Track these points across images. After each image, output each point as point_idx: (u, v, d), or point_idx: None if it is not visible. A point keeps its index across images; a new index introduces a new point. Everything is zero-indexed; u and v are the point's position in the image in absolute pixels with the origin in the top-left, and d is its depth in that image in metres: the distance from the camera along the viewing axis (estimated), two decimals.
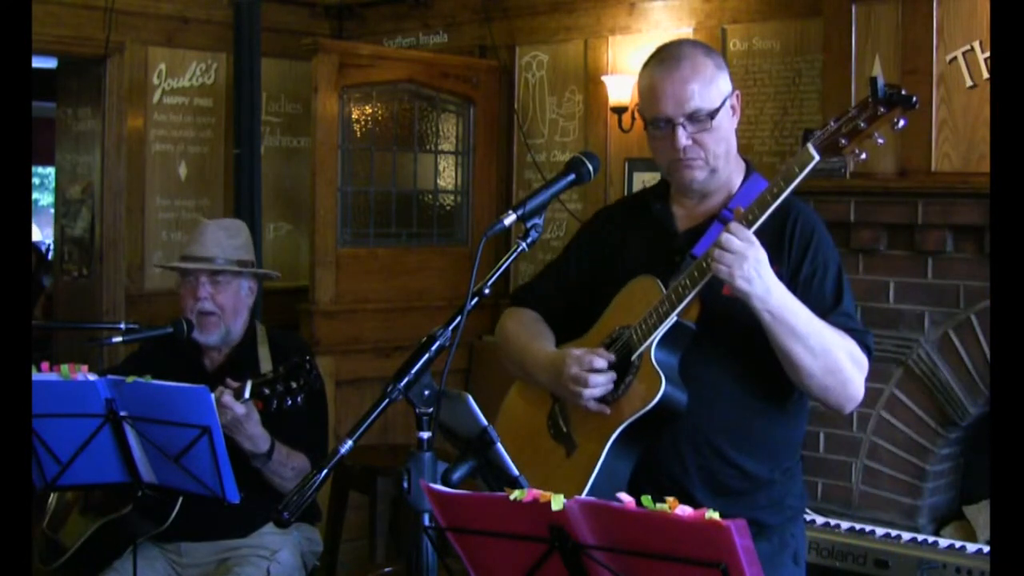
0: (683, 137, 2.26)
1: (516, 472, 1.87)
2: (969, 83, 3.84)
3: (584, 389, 2.22)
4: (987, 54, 3.78)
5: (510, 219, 1.99)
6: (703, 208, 2.37)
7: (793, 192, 2.13)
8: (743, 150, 5.09)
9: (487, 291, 1.98)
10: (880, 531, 3.75)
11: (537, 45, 5.64)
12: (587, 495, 2.15)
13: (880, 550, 3.62)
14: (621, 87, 5.08)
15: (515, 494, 1.55)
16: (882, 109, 2.06)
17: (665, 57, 2.31)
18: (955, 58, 3.86)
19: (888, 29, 4.01)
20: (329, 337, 5.21)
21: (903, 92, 2.05)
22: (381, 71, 5.42)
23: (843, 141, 2.10)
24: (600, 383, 2.22)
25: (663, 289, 2.24)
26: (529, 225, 2.01)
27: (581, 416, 2.30)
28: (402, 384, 1.84)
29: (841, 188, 3.96)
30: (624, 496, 1.50)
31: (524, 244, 1.99)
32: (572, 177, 2.12)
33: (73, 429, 2.69)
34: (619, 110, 5.09)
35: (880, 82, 2.05)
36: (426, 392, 1.86)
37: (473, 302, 1.91)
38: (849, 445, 4.11)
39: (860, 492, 4.10)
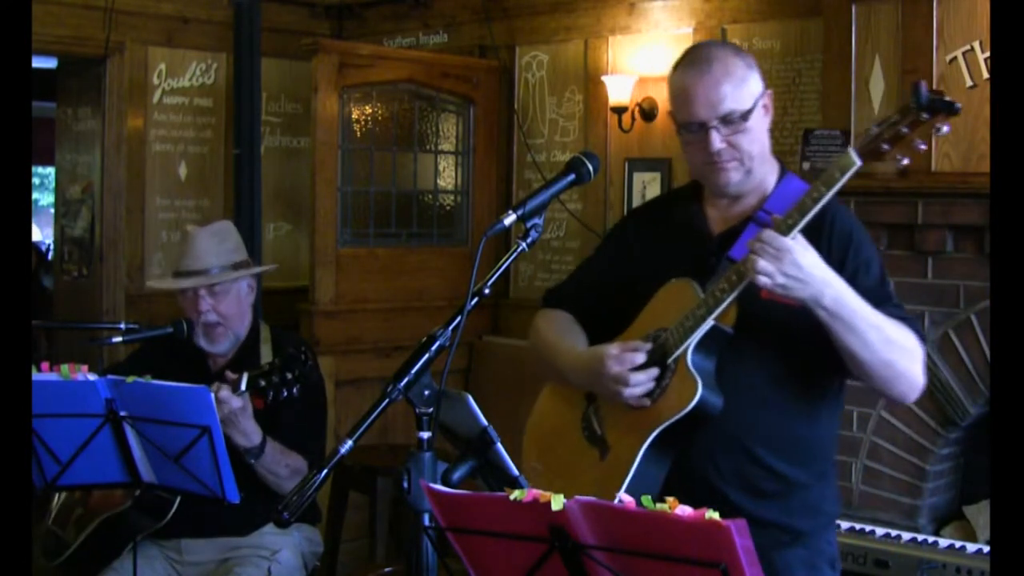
0: (717, 140, 2.22)
1: (516, 472, 1.87)
2: (969, 83, 3.84)
3: (625, 388, 2.20)
4: (987, 54, 3.78)
5: (510, 219, 1.98)
6: (737, 209, 2.33)
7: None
8: None
9: (487, 291, 1.97)
10: (880, 531, 3.75)
11: (537, 45, 5.64)
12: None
13: (880, 550, 3.62)
14: (621, 87, 5.08)
15: (515, 494, 1.54)
16: (925, 115, 2.03)
17: (695, 59, 2.28)
18: (955, 58, 3.86)
19: (888, 29, 4.01)
20: (329, 337, 5.21)
21: (946, 98, 2.02)
22: (381, 71, 5.42)
23: (885, 146, 2.07)
24: (641, 381, 2.20)
25: (699, 293, 2.21)
26: (529, 225, 2.00)
27: (616, 419, 2.28)
28: (402, 384, 1.84)
29: (841, 188, 3.95)
30: (624, 496, 1.50)
31: (524, 244, 1.98)
32: (572, 177, 2.11)
33: (73, 429, 2.69)
34: (619, 110, 5.09)
35: (923, 88, 2.02)
36: (426, 392, 1.86)
37: (473, 302, 1.91)
38: (849, 445, 4.11)
39: (860, 492, 4.10)
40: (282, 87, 6.19)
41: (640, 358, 2.22)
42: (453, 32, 5.96)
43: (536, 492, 1.54)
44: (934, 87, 3.84)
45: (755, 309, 2.19)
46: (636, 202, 5.19)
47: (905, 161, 2.10)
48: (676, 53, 5.29)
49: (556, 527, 1.55)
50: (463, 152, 5.74)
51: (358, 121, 5.45)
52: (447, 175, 5.76)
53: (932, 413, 3.96)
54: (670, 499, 1.47)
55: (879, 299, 2.19)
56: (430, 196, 5.73)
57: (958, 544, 3.62)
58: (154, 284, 3.77)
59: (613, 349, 2.25)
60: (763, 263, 2.06)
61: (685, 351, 2.19)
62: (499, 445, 1.88)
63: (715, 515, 1.43)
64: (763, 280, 2.06)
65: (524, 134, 5.68)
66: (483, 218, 5.69)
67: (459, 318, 1.90)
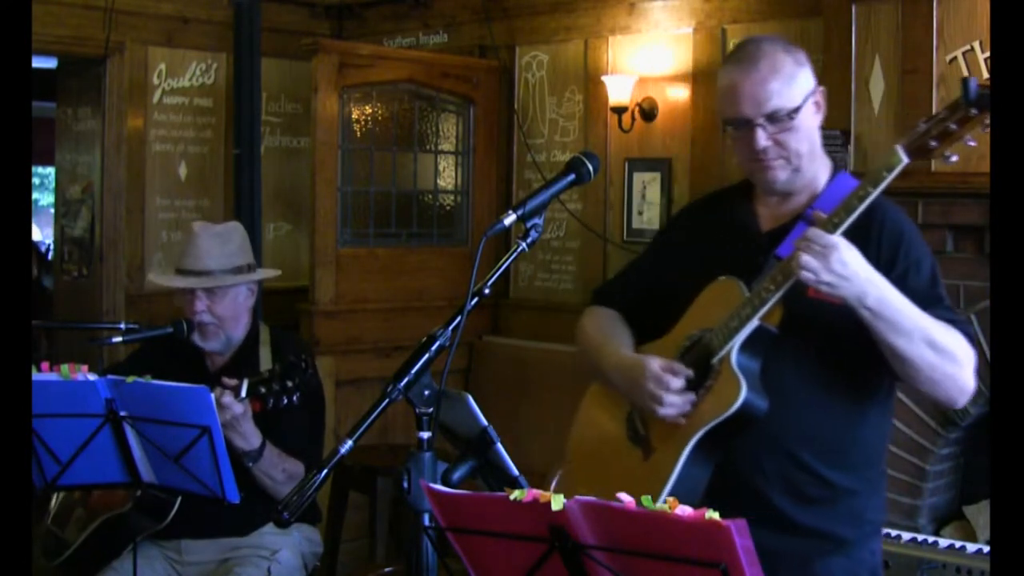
0: (762, 138, 2.20)
1: (516, 472, 1.87)
2: None
3: (660, 408, 2.19)
4: (987, 54, 3.78)
5: (510, 219, 1.97)
6: (787, 208, 2.30)
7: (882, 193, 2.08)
8: None
9: (487, 291, 1.97)
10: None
11: (537, 45, 5.64)
12: (663, 501, 2.11)
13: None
14: (621, 87, 5.07)
15: (515, 494, 1.54)
16: (974, 111, 2.00)
17: (743, 56, 2.24)
18: (955, 58, 3.86)
19: (888, 29, 4.01)
20: (329, 337, 5.21)
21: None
22: (381, 71, 5.42)
23: (933, 143, 2.04)
24: (676, 404, 2.18)
25: (745, 292, 2.19)
26: (529, 225, 2.00)
27: (659, 421, 2.25)
28: (402, 384, 1.83)
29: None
30: (624, 496, 1.50)
31: (524, 244, 1.98)
32: (572, 177, 2.10)
33: (73, 429, 2.69)
34: (619, 110, 5.09)
35: (973, 83, 1.99)
36: (426, 392, 1.86)
37: (473, 302, 1.91)
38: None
39: None
40: (282, 87, 6.20)
41: (678, 383, 2.19)
42: (453, 32, 5.96)
43: (536, 492, 1.54)
44: (934, 87, 3.86)
45: (801, 308, 2.16)
46: (636, 202, 5.19)
47: (954, 158, 2.07)
48: (676, 53, 5.34)
49: (556, 527, 1.55)
50: (463, 152, 5.74)
51: (358, 121, 5.45)
52: (447, 175, 5.76)
53: (932, 413, 3.96)
54: (670, 499, 1.47)
55: (929, 301, 2.16)
56: (430, 196, 5.73)
57: (958, 544, 3.62)
58: (154, 278, 3.76)
59: (654, 365, 2.22)
60: (808, 259, 2.03)
61: (729, 352, 2.17)
62: (499, 445, 1.88)
63: (715, 515, 1.43)
64: (808, 277, 2.04)
65: (524, 134, 5.68)
66: (483, 218, 5.69)
67: (459, 318, 1.89)
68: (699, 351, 2.23)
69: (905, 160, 2.05)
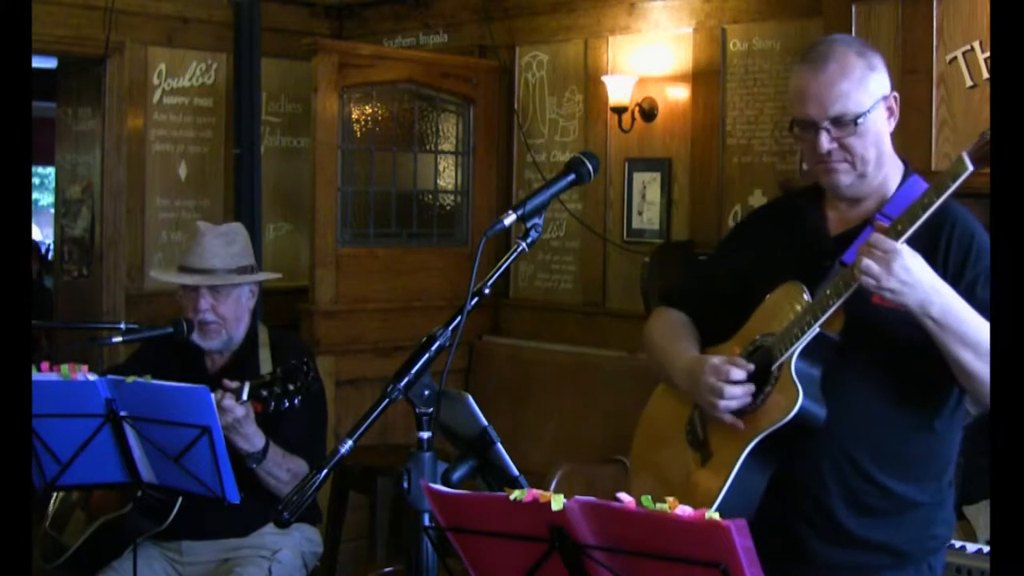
0: (825, 141, 2.17)
1: (516, 472, 1.87)
2: (969, 83, 3.84)
3: (720, 400, 2.16)
4: (987, 54, 3.78)
5: (510, 219, 1.97)
6: (856, 212, 2.27)
7: (952, 197, 2.04)
8: (744, 150, 5.11)
9: (487, 291, 1.97)
10: None
11: (537, 45, 5.64)
12: (718, 506, 2.09)
13: None
14: (621, 87, 5.07)
15: (515, 494, 1.54)
16: None
17: (814, 57, 2.21)
18: (955, 58, 3.86)
19: (888, 29, 4.01)
20: (329, 337, 5.21)
21: None
22: (381, 71, 5.42)
23: None
24: (737, 395, 2.16)
25: (808, 297, 2.17)
26: (529, 225, 1.99)
27: (719, 424, 2.23)
28: (402, 384, 1.83)
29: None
30: (624, 496, 1.50)
31: (524, 244, 1.98)
32: (572, 177, 2.09)
33: (73, 429, 2.69)
34: (619, 110, 5.09)
35: None
36: (426, 392, 1.86)
37: (473, 302, 1.91)
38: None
39: None
40: (282, 87, 6.20)
41: (738, 374, 2.17)
42: (453, 32, 5.96)
43: (536, 492, 1.54)
44: (934, 87, 3.86)
45: (866, 315, 2.13)
46: (636, 202, 5.19)
47: None
48: (676, 53, 5.34)
49: (556, 527, 1.55)
50: (463, 152, 5.74)
51: (358, 121, 5.45)
52: (447, 175, 5.76)
53: None
54: (670, 499, 1.47)
55: None
56: (430, 196, 5.73)
57: (958, 544, 3.62)
58: (157, 275, 3.76)
59: (715, 360, 2.21)
60: (870, 264, 2.01)
61: (789, 359, 2.15)
62: (499, 445, 1.88)
63: (715, 515, 1.43)
64: (869, 283, 2.02)
65: (524, 134, 5.68)
66: (483, 218, 5.69)
67: (459, 318, 1.89)
68: (760, 356, 2.20)
69: (971, 168, 2.00)
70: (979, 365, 2.04)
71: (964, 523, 3.99)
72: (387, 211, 5.55)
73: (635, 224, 5.21)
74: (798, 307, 2.17)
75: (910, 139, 3.87)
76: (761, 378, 2.18)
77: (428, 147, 5.70)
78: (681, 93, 5.05)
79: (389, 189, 5.57)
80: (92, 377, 2.68)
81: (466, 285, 1.90)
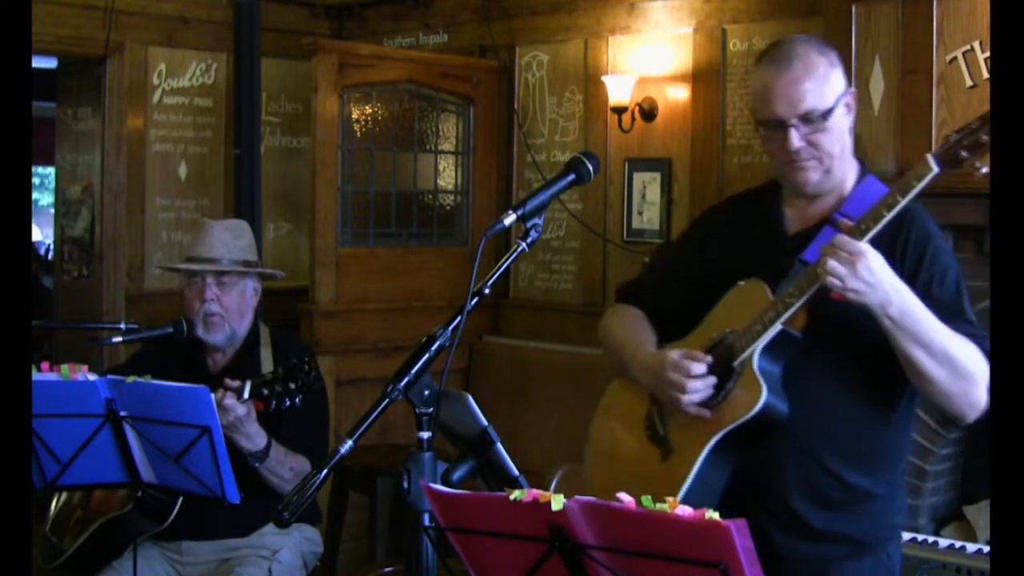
0: (796, 139, 2.20)
1: (516, 472, 1.87)
2: (969, 83, 3.83)
3: (683, 395, 2.19)
4: (987, 54, 3.78)
5: (510, 219, 1.97)
6: (815, 210, 2.30)
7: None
8: (743, 150, 5.11)
9: (487, 291, 1.97)
10: None
11: (537, 45, 5.64)
12: (681, 502, 2.12)
13: None
14: (621, 87, 5.07)
15: (515, 494, 1.54)
16: None
17: (777, 56, 2.24)
18: (955, 58, 3.86)
19: (888, 29, 4.01)
20: (329, 337, 5.21)
21: None
22: (381, 71, 5.42)
23: (964, 154, 2.04)
24: (699, 389, 2.19)
25: (770, 295, 2.19)
26: (529, 225, 2.00)
27: (679, 420, 2.26)
28: (402, 384, 1.83)
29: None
30: (624, 496, 1.50)
31: (524, 244, 1.98)
32: (572, 177, 2.10)
33: (73, 429, 2.69)
34: (619, 110, 5.09)
35: None
36: (426, 392, 1.86)
37: (473, 302, 1.91)
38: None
39: None
40: (282, 87, 6.20)
41: (699, 368, 2.19)
42: (453, 32, 5.96)
43: (536, 492, 1.54)
44: (934, 87, 3.86)
45: (827, 312, 2.15)
46: (636, 202, 5.19)
47: (984, 169, 2.04)
48: (676, 53, 5.34)
49: (556, 527, 1.55)
50: (463, 152, 5.74)
51: (358, 121, 5.45)
52: (447, 175, 5.76)
53: (932, 413, 3.96)
54: (670, 499, 1.47)
55: (951, 312, 2.15)
56: (430, 196, 5.73)
57: (958, 544, 3.62)
58: (163, 265, 3.77)
59: (675, 355, 2.23)
60: (835, 265, 2.03)
61: (751, 355, 2.17)
62: (499, 445, 1.88)
63: (715, 515, 1.43)
64: (834, 283, 2.04)
65: (524, 134, 5.68)
66: (483, 218, 5.69)
67: (459, 318, 1.89)
68: (722, 353, 2.22)
69: (936, 170, 2.04)
70: (932, 365, 2.08)
71: (964, 523, 3.99)
72: (387, 211, 5.55)
73: (635, 224, 5.21)
74: (760, 304, 2.19)
75: (910, 139, 3.88)
76: (722, 374, 2.21)
77: (428, 147, 5.70)
78: (681, 93, 5.05)
79: (389, 189, 5.57)
80: (92, 377, 2.68)
81: (466, 285, 1.90)
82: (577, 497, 1.53)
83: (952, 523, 4.02)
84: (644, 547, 1.50)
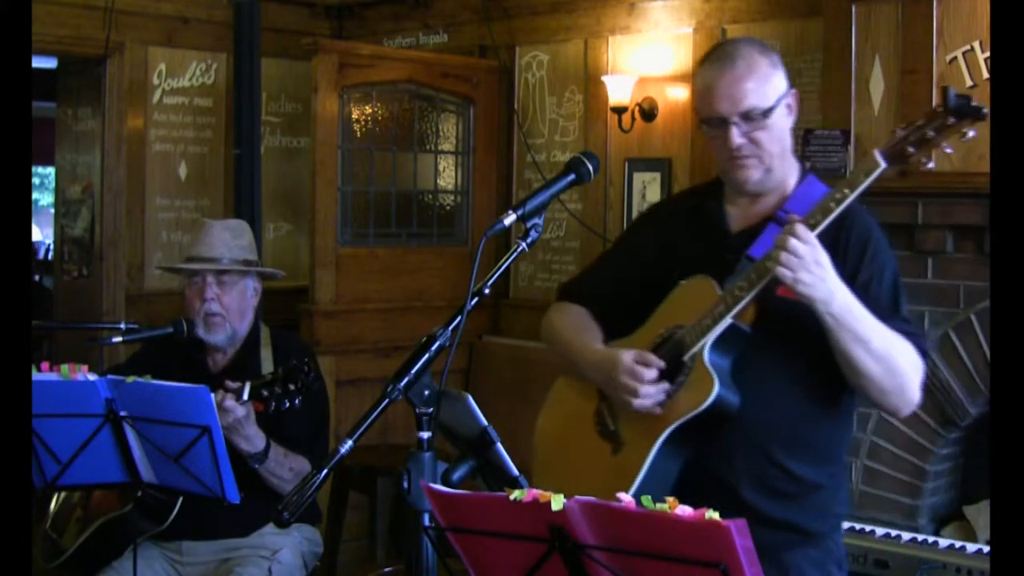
0: (736, 136, 2.24)
1: (516, 472, 1.87)
2: (969, 83, 3.84)
3: (635, 399, 2.21)
4: (987, 54, 3.78)
5: (510, 219, 1.98)
6: (757, 208, 2.34)
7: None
8: None
9: (487, 291, 1.97)
10: (880, 531, 3.75)
11: (537, 45, 5.64)
12: (634, 493, 2.14)
13: (880, 550, 3.62)
14: (621, 87, 5.07)
15: (515, 494, 1.54)
16: (952, 119, 2.05)
17: (720, 56, 2.30)
18: (955, 58, 3.86)
19: (888, 29, 4.01)
20: (329, 337, 5.21)
21: (973, 103, 2.04)
22: (381, 71, 5.42)
23: (911, 150, 2.08)
24: (651, 394, 2.21)
25: (719, 291, 2.22)
26: (529, 225, 2.00)
27: (630, 414, 2.28)
28: (402, 384, 1.84)
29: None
30: (624, 496, 1.50)
31: (524, 244, 1.98)
32: (572, 177, 2.11)
33: (73, 429, 2.69)
34: (619, 110, 5.09)
35: (952, 93, 2.04)
36: (426, 392, 1.86)
37: (473, 302, 1.91)
38: (849, 445, 4.10)
39: (860, 492, 4.10)
40: (282, 87, 6.20)
41: (652, 374, 2.21)
42: (453, 32, 5.96)
43: (536, 492, 1.54)
44: (934, 87, 3.86)
45: (772, 308, 2.19)
46: (636, 202, 5.19)
47: (931, 164, 2.09)
48: (676, 53, 5.33)
49: (556, 527, 1.55)
50: (463, 152, 5.74)
51: (358, 121, 5.45)
52: (447, 175, 5.76)
53: (932, 413, 3.96)
54: (670, 499, 1.47)
55: (889, 310, 2.20)
56: (430, 196, 5.72)
57: (958, 544, 3.62)
58: (163, 265, 3.77)
59: (627, 358, 2.24)
60: (788, 257, 2.06)
61: (702, 349, 2.20)
62: (499, 445, 1.88)
63: (715, 515, 1.43)
64: (785, 274, 2.07)
65: (524, 134, 5.68)
66: (483, 218, 5.69)
67: (459, 318, 1.90)
68: (671, 348, 2.25)
69: (883, 165, 2.08)
70: (870, 362, 2.13)
71: (964, 523, 3.99)
72: (387, 211, 5.55)
73: None
74: (708, 300, 2.22)
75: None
76: (673, 369, 2.23)
77: (428, 147, 5.70)
78: (681, 93, 5.04)
79: (389, 189, 5.57)
80: (92, 377, 2.68)
81: (466, 285, 1.90)
82: (577, 497, 1.53)
83: (952, 523, 4.02)
84: (644, 547, 1.50)
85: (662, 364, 2.23)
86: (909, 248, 3.94)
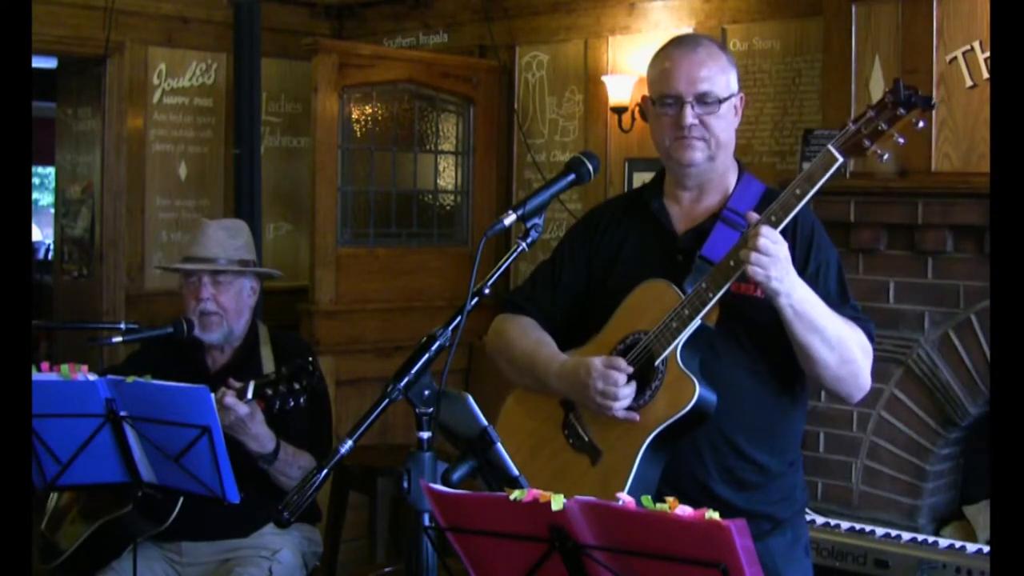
0: (690, 115, 2.28)
1: (516, 472, 1.87)
2: (969, 83, 3.84)
3: (614, 403, 2.21)
4: (987, 54, 3.78)
5: (510, 219, 1.99)
6: (701, 207, 2.38)
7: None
8: (743, 150, 5.11)
9: (487, 291, 1.98)
10: (880, 531, 3.75)
11: (537, 45, 5.64)
12: None
13: (880, 550, 3.62)
14: (621, 87, 5.08)
15: (515, 494, 1.55)
16: (901, 110, 2.09)
17: (683, 42, 2.37)
18: (955, 58, 3.86)
19: (888, 29, 4.01)
20: (329, 337, 5.21)
21: (920, 93, 2.09)
22: (381, 71, 5.42)
23: (867, 142, 2.13)
24: (628, 395, 2.22)
25: (680, 294, 2.23)
26: (529, 225, 2.01)
27: (602, 424, 2.28)
28: (402, 384, 1.84)
29: (841, 188, 3.95)
30: (624, 496, 1.50)
31: (524, 244, 1.99)
32: (572, 177, 2.12)
33: (73, 429, 2.69)
34: (619, 110, 5.09)
35: (900, 84, 2.10)
36: (426, 392, 1.86)
37: (473, 302, 1.91)
38: (849, 445, 4.11)
39: (860, 492, 4.10)
40: (282, 87, 6.20)
41: (623, 378, 2.22)
42: (453, 32, 5.96)
43: (536, 492, 1.54)
44: (934, 87, 3.87)
45: (730, 304, 2.22)
46: None
47: (887, 157, 2.15)
48: None
49: (556, 527, 1.55)
50: (463, 152, 5.74)
51: (358, 121, 5.45)
52: (447, 175, 5.76)
53: (932, 413, 3.96)
54: (670, 499, 1.47)
55: (838, 299, 2.27)
56: (430, 196, 5.73)
57: (958, 544, 3.62)
58: (161, 265, 3.78)
59: (597, 364, 2.24)
60: (759, 257, 2.09)
61: (674, 352, 2.21)
62: (499, 445, 1.88)
63: (715, 515, 1.43)
64: (758, 273, 2.10)
65: (524, 134, 5.68)
66: (483, 218, 5.69)
67: (459, 318, 1.90)
68: (638, 353, 2.25)
69: (840, 159, 2.13)
70: (825, 350, 2.18)
71: (964, 523, 3.99)
72: (387, 211, 5.55)
73: None
74: (667, 303, 2.23)
75: (910, 139, 3.86)
76: (643, 375, 2.23)
77: (428, 147, 5.70)
78: None
79: (389, 189, 5.57)
80: (92, 377, 2.68)
81: (466, 285, 1.91)
82: (577, 497, 1.53)
83: (952, 523, 4.02)
84: (644, 547, 1.50)
85: (630, 369, 2.23)
86: (909, 248, 3.94)
